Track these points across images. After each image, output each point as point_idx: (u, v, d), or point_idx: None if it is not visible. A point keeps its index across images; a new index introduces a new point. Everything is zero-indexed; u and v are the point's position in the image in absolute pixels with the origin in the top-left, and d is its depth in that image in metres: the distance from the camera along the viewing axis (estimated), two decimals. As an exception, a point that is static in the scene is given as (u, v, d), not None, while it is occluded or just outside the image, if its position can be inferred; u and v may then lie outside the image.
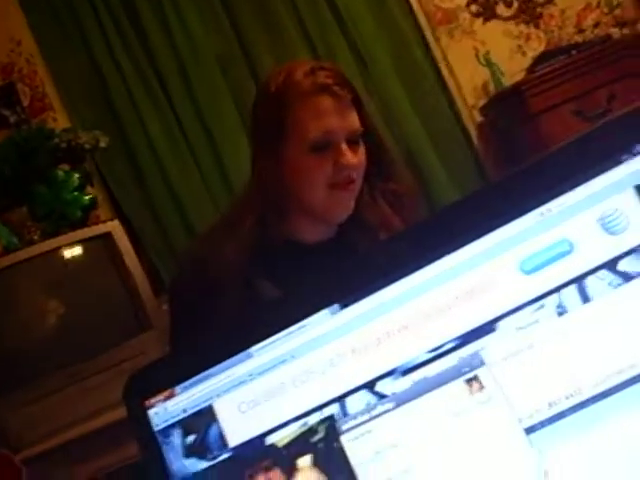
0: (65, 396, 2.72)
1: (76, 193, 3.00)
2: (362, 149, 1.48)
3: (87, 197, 3.03)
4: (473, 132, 3.47)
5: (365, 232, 1.50)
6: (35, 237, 3.07)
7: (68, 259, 2.91)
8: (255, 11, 3.40)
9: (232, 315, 1.37)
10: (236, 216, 1.52)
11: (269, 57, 3.36)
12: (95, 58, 3.37)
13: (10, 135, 3.09)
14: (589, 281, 0.65)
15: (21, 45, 3.44)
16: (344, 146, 1.43)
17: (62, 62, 3.42)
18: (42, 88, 3.43)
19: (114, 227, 2.91)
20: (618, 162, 0.66)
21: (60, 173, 2.98)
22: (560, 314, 0.66)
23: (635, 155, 0.65)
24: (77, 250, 2.90)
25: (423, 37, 3.51)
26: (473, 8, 3.52)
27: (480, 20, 3.51)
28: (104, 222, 2.99)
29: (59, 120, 3.40)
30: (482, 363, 0.67)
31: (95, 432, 2.61)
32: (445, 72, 3.50)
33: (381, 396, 0.68)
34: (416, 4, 3.52)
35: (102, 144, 3.02)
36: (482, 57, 3.44)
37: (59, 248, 2.86)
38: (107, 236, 2.87)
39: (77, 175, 3.01)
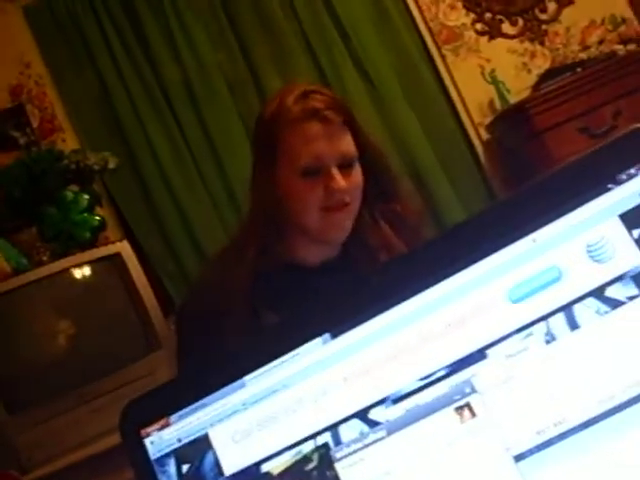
0: (75, 417, 2.73)
1: (85, 214, 3.03)
2: (357, 171, 1.48)
3: (96, 218, 3.05)
4: (480, 150, 3.48)
5: (367, 253, 1.51)
6: (44, 258, 3.09)
7: (77, 280, 2.92)
8: (262, 30, 3.43)
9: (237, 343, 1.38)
10: (241, 241, 1.53)
11: (276, 77, 3.38)
12: (103, 79, 3.41)
13: (20, 157, 3.12)
14: (577, 309, 0.66)
15: (30, 67, 3.48)
16: (335, 170, 1.44)
17: (71, 83, 3.45)
18: (51, 109, 3.47)
19: (123, 248, 2.93)
20: (604, 190, 0.67)
21: (69, 194, 3.00)
22: (548, 342, 0.66)
23: (620, 184, 0.66)
24: (86, 271, 2.91)
25: (429, 55, 3.53)
26: (478, 26, 3.54)
27: (485, 38, 3.53)
28: (113, 243, 3.01)
29: (68, 141, 3.43)
30: (473, 390, 0.67)
31: (104, 453, 2.61)
32: (451, 90, 3.51)
33: (374, 424, 0.69)
34: (421, 22, 3.54)
35: (111, 165, 3.05)
36: (488, 75, 3.45)
37: (68, 269, 2.88)
38: (116, 257, 2.89)
39: (86, 196, 3.03)
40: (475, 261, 0.68)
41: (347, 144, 1.47)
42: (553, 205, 0.67)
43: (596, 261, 0.66)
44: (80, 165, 2.99)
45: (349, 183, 1.46)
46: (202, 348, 1.43)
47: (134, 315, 2.86)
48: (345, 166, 1.46)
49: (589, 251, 0.67)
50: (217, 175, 3.35)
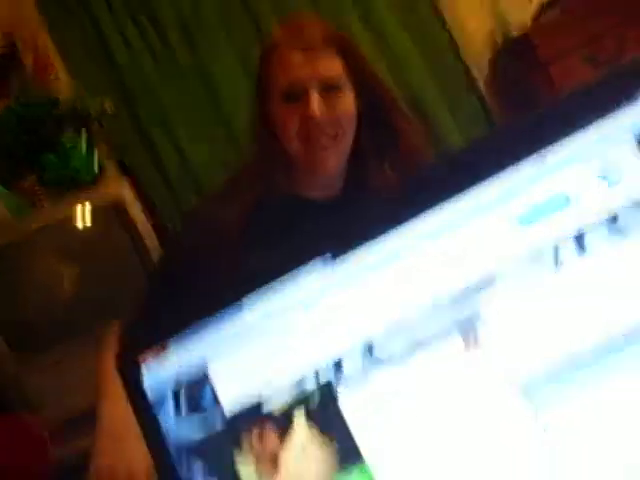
0: (82, 361, 2.74)
1: (85, 159, 3.00)
2: (347, 98, 1.45)
3: (96, 162, 3.03)
4: (482, 83, 3.43)
5: (367, 187, 1.48)
6: (45, 204, 3.07)
7: (79, 224, 2.91)
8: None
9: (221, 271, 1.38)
10: (241, 175, 1.52)
11: (272, 14, 3.31)
12: (98, 23, 3.35)
13: (14, 102, 3.07)
14: (587, 234, 0.64)
15: (23, 9, 3.41)
16: (314, 96, 1.40)
17: (65, 27, 3.39)
18: (46, 53, 3.39)
19: (124, 191, 2.91)
20: (618, 111, 0.64)
21: (67, 140, 2.97)
22: (558, 268, 0.64)
23: (635, 103, 0.63)
24: (88, 215, 2.90)
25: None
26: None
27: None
28: (114, 187, 2.99)
29: (64, 84, 3.36)
30: (479, 318, 0.66)
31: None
32: (451, 22, 3.44)
33: (377, 355, 0.67)
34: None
35: (108, 109, 3.02)
36: (488, 6, 3.38)
37: (71, 214, 2.87)
38: (118, 200, 2.88)
39: (85, 141, 3.00)
40: (483, 183, 0.65)
41: (331, 68, 1.43)
42: (567, 127, 0.64)
43: (608, 184, 0.64)
44: (77, 110, 2.96)
45: (333, 110, 1.42)
46: (189, 274, 1.40)
47: (137, 259, 2.85)
48: (330, 91, 1.42)
49: (602, 174, 0.64)
50: (215, 114, 3.30)
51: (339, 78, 1.42)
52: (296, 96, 1.41)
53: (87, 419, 2.64)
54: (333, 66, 1.42)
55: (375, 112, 1.48)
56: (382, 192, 1.46)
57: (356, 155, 1.49)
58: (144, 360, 0.71)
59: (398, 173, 1.50)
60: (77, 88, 3.31)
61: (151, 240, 2.87)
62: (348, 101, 1.44)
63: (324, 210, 1.46)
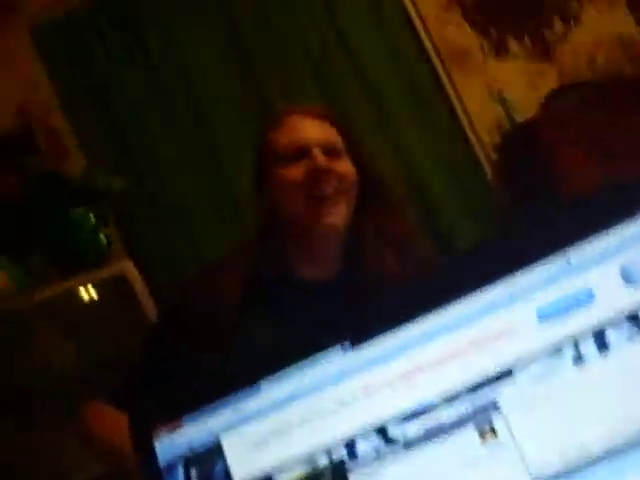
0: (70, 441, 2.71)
1: (91, 235, 3.02)
2: (347, 164, 1.47)
3: (102, 238, 3.05)
4: (488, 169, 3.46)
5: (366, 273, 1.47)
6: (50, 278, 3.08)
7: (83, 299, 2.92)
8: (268, 50, 3.42)
9: (219, 349, 1.37)
10: (239, 250, 1.54)
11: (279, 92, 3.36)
12: (110, 100, 3.41)
13: (27, 178, 3.11)
14: (608, 331, 0.64)
15: (38, 88, 3.48)
16: (317, 151, 1.43)
17: (78, 105, 3.45)
18: (58, 131, 3.45)
19: (128, 267, 2.92)
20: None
21: (76, 215, 2.99)
22: (577, 364, 0.64)
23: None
24: (92, 290, 2.91)
25: (435, 75, 3.52)
26: (485, 45, 3.53)
27: (492, 57, 3.52)
28: (119, 263, 3.00)
29: (75, 163, 3.41)
30: (497, 410, 0.65)
31: (99, 477, 2.58)
32: (458, 109, 3.50)
33: (391, 440, 0.66)
34: (427, 40, 3.53)
35: (117, 186, 3.04)
36: (495, 94, 3.43)
37: (74, 288, 2.88)
38: (121, 276, 2.88)
39: (92, 217, 3.03)
40: (506, 278, 0.65)
41: (331, 134, 1.47)
42: (590, 225, 0.64)
43: (630, 284, 0.64)
44: (87, 186, 2.99)
45: (334, 166, 1.43)
46: (190, 338, 1.42)
47: (139, 336, 2.83)
48: (331, 152, 1.44)
49: (625, 273, 0.64)
50: (224, 189, 3.33)
51: (338, 144, 1.46)
52: (298, 154, 1.43)
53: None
54: (334, 135, 1.47)
55: (376, 198, 1.50)
56: (383, 277, 1.46)
57: (353, 237, 1.50)
58: (158, 433, 0.70)
59: (400, 258, 1.50)
60: (88, 166, 3.35)
61: (153, 316, 2.86)
62: (347, 164, 1.46)
63: (321, 293, 1.45)
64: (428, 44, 3.53)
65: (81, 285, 2.89)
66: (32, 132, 3.45)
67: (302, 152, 1.43)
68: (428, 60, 3.53)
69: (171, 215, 3.34)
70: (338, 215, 1.45)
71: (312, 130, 1.45)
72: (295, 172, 1.43)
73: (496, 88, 3.46)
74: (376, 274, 1.46)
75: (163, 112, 3.40)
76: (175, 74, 3.41)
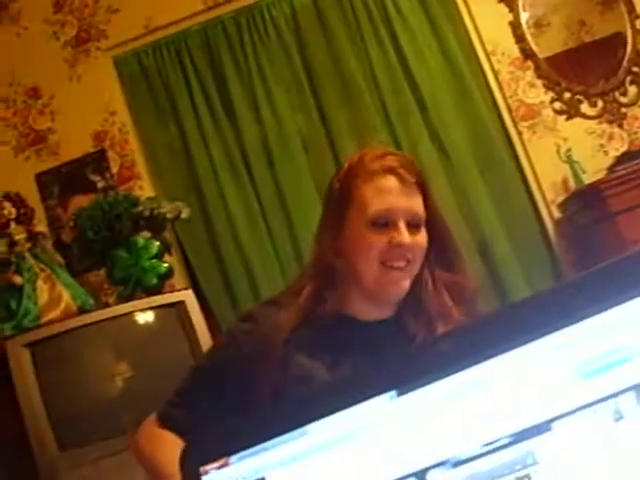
0: (124, 460, 2.74)
1: (154, 260, 3.09)
2: (423, 234, 1.50)
3: (164, 265, 3.11)
4: (551, 227, 3.46)
5: (423, 320, 1.50)
6: (110, 300, 3.15)
7: (140, 324, 2.97)
8: (340, 94, 3.50)
9: (265, 380, 1.42)
10: (296, 287, 1.56)
11: (351, 142, 3.43)
12: (185, 133, 3.51)
13: (97, 200, 3.21)
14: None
15: (115, 115, 3.60)
16: (402, 225, 1.47)
17: (152, 134, 3.56)
18: (131, 157, 3.57)
19: (187, 296, 2.97)
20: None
21: (140, 240, 3.07)
22: (616, 420, 0.65)
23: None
24: (150, 316, 2.96)
25: (505, 131, 3.54)
26: (557, 105, 3.54)
27: (563, 117, 3.53)
28: (178, 291, 3.06)
29: (144, 188, 3.52)
30: (535, 462, 0.66)
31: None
32: (525, 167, 3.51)
33: (432, 486, 0.68)
34: (500, 98, 3.57)
35: (183, 215, 3.12)
36: (563, 154, 3.44)
37: (132, 313, 2.93)
38: (180, 305, 2.93)
39: (157, 243, 3.10)
40: (547, 333, 0.67)
41: (418, 204, 1.50)
42: (633, 284, 0.66)
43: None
44: (154, 213, 3.06)
45: (413, 242, 1.47)
46: (240, 373, 1.46)
47: (192, 364, 2.87)
48: (412, 225, 1.48)
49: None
50: (286, 234, 3.39)
51: (421, 217, 1.49)
52: (385, 223, 1.47)
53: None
54: (419, 205, 1.50)
55: (437, 243, 1.53)
56: (437, 318, 1.49)
57: (414, 280, 1.53)
58: (206, 470, 0.73)
59: (456, 303, 1.53)
60: (157, 192, 3.45)
61: (207, 346, 2.90)
62: (424, 235, 1.50)
63: (372, 332, 1.49)
64: (500, 100, 3.56)
65: (140, 309, 2.94)
66: (106, 156, 3.56)
67: (389, 221, 1.47)
68: (499, 115, 3.56)
69: (232, 250, 3.39)
70: (405, 282, 1.50)
71: (402, 199, 1.48)
72: (378, 240, 1.47)
73: (565, 148, 3.46)
74: (433, 314, 1.50)
75: (234, 151, 3.48)
76: (248, 115, 3.50)
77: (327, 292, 1.51)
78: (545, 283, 3.31)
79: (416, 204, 1.49)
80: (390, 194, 1.48)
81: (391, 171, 1.49)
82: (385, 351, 1.35)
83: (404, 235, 1.46)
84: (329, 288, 1.51)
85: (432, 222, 1.53)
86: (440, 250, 1.54)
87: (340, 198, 1.53)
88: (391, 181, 1.48)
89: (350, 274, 1.51)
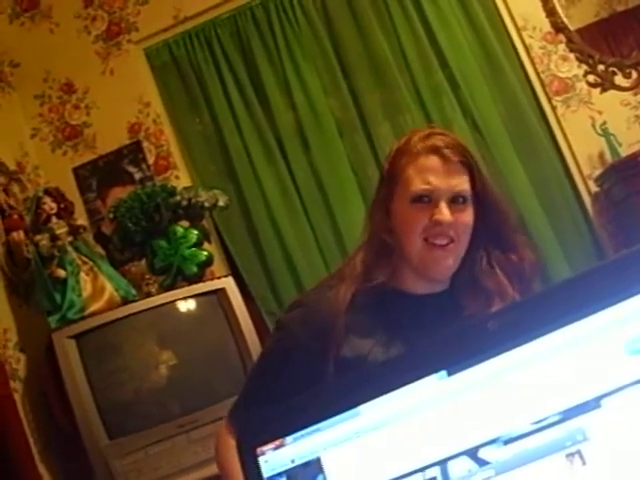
0: (172, 446, 2.79)
1: (194, 249, 3.12)
2: (468, 212, 1.52)
3: (204, 253, 3.14)
4: (588, 202, 3.43)
5: (477, 297, 1.52)
6: (152, 289, 3.19)
7: (182, 312, 3.01)
8: (373, 78, 3.50)
9: (322, 369, 1.45)
10: (350, 265, 1.59)
11: (385, 123, 3.43)
12: (218, 121, 3.53)
13: (135, 191, 3.24)
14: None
15: (149, 106, 3.63)
16: (443, 204, 1.49)
17: (187, 124, 3.59)
18: (167, 147, 3.60)
19: (228, 284, 3.00)
20: None
21: (179, 229, 3.11)
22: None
23: None
24: (191, 304, 3.00)
25: (539, 106, 3.51)
26: (590, 78, 3.50)
27: (597, 90, 3.49)
28: (219, 278, 3.09)
29: (181, 178, 3.55)
30: (585, 438, 0.67)
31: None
32: (561, 141, 3.48)
33: (483, 463, 0.69)
34: (532, 73, 3.54)
35: (221, 203, 3.15)
36: (599, 127, 3.41)
37: (174, 301, 2.97)
38: (221, 292, 2.97)
39: (195, 232, 3.13)
40: (595, 311, 0.68)
41: (461, 183, 1.52)
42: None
43: None
44: (191, 202, 3.10)
45: (456, 220, 1.49)
46: (293, 364, 1.50)
47: (235, 350, 2.91)
48: (456, 203, 1.50)
49: None
50: (324, 217, 3.41)
51: (466, 195, 1.51)
52: (427, 201, 1.50)
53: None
54: (463, 184, 1.52)
55: (492, 226, 1.54)
56: (492, 296, 1.51)
57: (467, 258, 1.54)
58: (263, 451, 0.75)
59: (509, 280, 1.54)
60: (193, 181, 3.48)
61: (249, 332, 2.94)
62: (469, 213, 1.51)
63: (424, 307, 1.52)
64: (533, 75, 3.53)
65: (182, 298, 2.98)
66: (141, 147, 3.60)
67: (431, 199, 1.50)
68: (532, 90, 3.53)
69: (271, 235, 3.42)
70: (449, 260, 1.53)
71: (444, 178, 1.51)
72: (420, 217, 1.50)
73: (600, 121, 3.43)
74: (488, 292, 1.53)
75: (268, 137, 3.50)
76: (281, 101, 3.51)
77: (380, 267, 1.54)
78: (583, 258, 3.30)
79: (460, 183, 1.51)
80: (431, 173, 1.50)
81: (434, 151, 1.52)
82: (438, 326, 1.37)
83: (444, 212, 1.48)
84: (382, 263, 1.54)
85: (483, 201, 1.54)
86: (495, 228, 1.56)
87: (388, 178, 1.57)
88: (434, 161, 1.51)
89: (399, 250, 1.54)
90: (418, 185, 1.50)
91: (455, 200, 1.51)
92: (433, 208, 1.49)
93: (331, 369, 1.45)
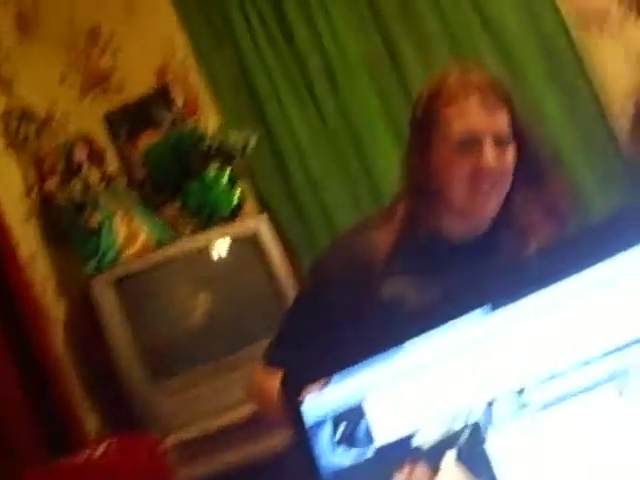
0: (212, 386, 2.84)
1: (226, 190, 3.13)
2: (510, 152, 1.50)
3: (236, 194, 3.15)
4: (622, 135, 3.37)
5: (515, 235, 1.51)
6: (186, 232, 3.21)
7: (217, 254, 3.03)
8: (400, 13, 3.43)
9: (363, 304, 1.45)
10: (389, 209, 1.58)
11: (415, 62, 3.37)
12: (244, 61, 3.49)
13: (165, 135, 3.24)
14: None
15: (175, 49, 3.60)
16: (488, 146, 1.46)
17: (214, 64, 3.55)
18: (195, 89, 3.57)
19: (261, 222, 3.02)
20: None
21: (211, 171, 3.11)
22: None
23: None
24: (226, 245, 3.02)
25: (572, 37, 3.43)
26: (624, 7, 3.40)
27: (632, 19, 3.40)
28: (251, 219, 3.10)
29: (210, 119, 3.53)
30: (628, 374, 0.67)
31: (240, 422, 2.71)
32: (593, 71, 3.41)
33: (528, 399, 0.70)
34: (564, 3, 3.45)
35: (251, 144, 3.14)
36: (633, 57, 3.33)
37: (209, 243, 3.00)
38: (255, 232, 2.98)
39: (227, 173, 3.14)
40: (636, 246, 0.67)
41: (503, 122, 1.49)
42: None
43: None
44: (222, 144, 3.09)
45: (499, 162, 1.47)
46: (337, 299, 1.50)
47: (270, 290, 2.94)
48: (499, 143, 1.48)
49: None
50: (354, 157, 3.38)
51: (508, 134, 1.48)
52: (470, 145, 1.46)
53: (215, 440, 2.75)
54: (505, 122, 1.49)
55: (529, 162, 1.52)
56: (529, 234, 1.50)
57: (506, 199, 1.53)
58: (307, 392, 0.76)
59: (549, 218, 1.53)
60: (223, 124, 3.46)
61: (285, 275, 2.95)
62: (511, 154, 1.49)
63: (468, 251, 1.51)
64: (565, 4, 3.44)
65: (215, 239, 3.00)
66: (170, 90, 3.58)
67: (474, 142, 1.47)
68: (563, 20, 3.45)
69: (302, 175, 3.41)
70: (494, 201, 1.52)
71: (486, 119, 1.47)
72: (463, 164, 1.47)
73: (635, 51, 3.35)
74: (525, 230, 1.51)
75: (296, 78, 3.46)
76: (308, 37, 3.47)
77: (421, 213, 1.53)
78: (619, 190, 3.25)
79: (500, 122, 1.48)
80: (472, 114, 1.47)
81: (472, 90, 1.48)
82: (477, 271, 1.36)
83: (489, 157, 1.45)
84: (423, 209, 1.53)
85: (521, 137, 1.52)
86: (531, 165, 1.54)
87: (424, 121, 1.53)
88: (473, 101, 1.47)
89: (440, 195, 1.52)
90: (460, 128, 1.47)
91: (498, 140, 1.48)
92: (477, 152, 1.46)
93: (369, 310, 1.45)
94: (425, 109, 1.53)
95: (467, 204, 1.50)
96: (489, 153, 1.46)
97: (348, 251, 1.55)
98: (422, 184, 1.53)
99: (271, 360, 1.57)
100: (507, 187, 1.51)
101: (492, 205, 1.51)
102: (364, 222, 1.64)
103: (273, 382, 1.52)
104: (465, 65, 1.60)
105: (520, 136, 1.51)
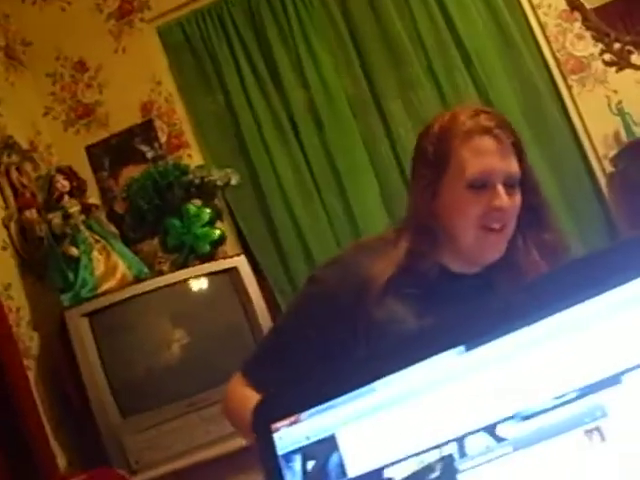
0: (184, 424, 2.81)
1: (206, 228, 3.12)
2: (518, 194, 1.50)
3: (216, 232, 3.15)
4: (603, 182, 3.41)
5: (513, 276, 1.50)
6: (164, 268, 3.20)
7: (195, 291, 3.02)
8: (385, 53, 3.47)
9: (353, 328, 1.44)
10: (393, 239, 1.56)
11: (398, 101, 3.41)
12: (231, 100, 3.53)
13: (147, 170, 3.24)
14: None
15: (161, 85, 3.63)
16: (500, 188, 1.45)
17: (199, 102, 3.58)
18: (179, 126, 3.60)
19: (240, 262, 3.01)
20: None
21: (192, 208, 3.11)
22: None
23: None
24: (204, 283, 3.01)
25: (554, 85, 3.48)
26: (606, 57, 3.47)
27: (613, 69, 3.46)
28: (231, 257, 3.09)
29: (193, 157, 3.54)
30: (604, 415, 0.67)
31: (211, 461, 2.68)
32: (576, 120, 3.45)
33: (501, 439, 0.69)
34: (548, 51, 3.51)
35: (233, 181, 3.15)
36: (614, 106, 3.38)
37: (187, 280, 2.98)
38: (233, 270, 2.97)
39: (208, 210, 3.13)
40: (615, 286, 0.67)
41: (514, 165, 1.48)
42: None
43: None
44: (204, 180, 3.09)
45: (510, 204, 1.47)
46: (323, 320, 1.48)
47: (247, 328, 2.92)
48: (509, 186, 1.48)
49: None
50: (337, 196, 3.40)
51: (518, 175, 1.49)
52: (483, 185, 1.46)
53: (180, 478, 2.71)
54: (516, 165, 1.48)
55: (530, 206, 1.53)
56: (527, 275, 1.49)
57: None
58: (277, 428, 0.75)
59: (545, 260, 1.53)
60: (206, 160, 3.47)
61: (261, 311, 2.94)
62: (519, 195, 1.49)
63: (466, 285, 1.50)
64: (548, 53, 3.50)
65: (194, 276, 2.99)
66: (154, 126, 3.59)
67: (486, 182, 1.46)
68: (547, 69, 3.50)
69: (283, 214, 3.42)
70: (502, 244, 1.51)
71: (499, 160, 1.46)
72: (477, 203, 1.46)
73: (616, 100, 3.40)
74: (523, 271, 1.51)
75: (281, 116, 3.49)
76: (294, 79, 3.50)
77: (424, 250, 1.51)
78: (598, 238, 3.28)
79: (512, 164, 1.48)
80: (488, 155, 1.46)
81: (487, 131, 1.47)
82: (473, 305, 1.36)
83: (503, 198, 1.45)
84: (426, 247, 1.51)
85: (525, 181, 1.51)
86: (531, 208, 1.53)
87: (435, 159, 1.50)
88: (488, 142, 1.46)
89: (446, 235, 1.51)
90: (475, 168, 1.45)
91: (508, 183, 1.47)
92: (489, 193, 1.45)
93: (360, 329, 1.44)
94: (437, 146, 1.51)
95: (475, 248, 1.49)
96: (502, 194, 1.45)
97: (348, 267, 1.53)
98: (429, 223, 1.52)
99: (250, 375, 1.54)
100: (512, 229, 1.51)
101: (500, 247, 1.50)
102: (366, 243, 1.63)
103: (249, 393, 1.50)
104: (475, 106, 1.59)
105: (524, 180, 1.51)
